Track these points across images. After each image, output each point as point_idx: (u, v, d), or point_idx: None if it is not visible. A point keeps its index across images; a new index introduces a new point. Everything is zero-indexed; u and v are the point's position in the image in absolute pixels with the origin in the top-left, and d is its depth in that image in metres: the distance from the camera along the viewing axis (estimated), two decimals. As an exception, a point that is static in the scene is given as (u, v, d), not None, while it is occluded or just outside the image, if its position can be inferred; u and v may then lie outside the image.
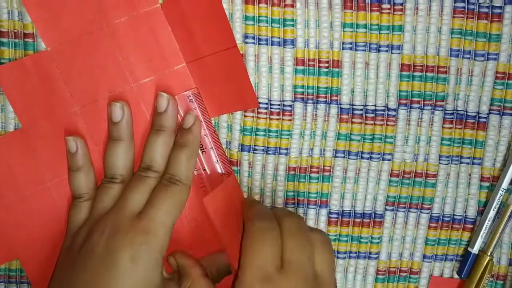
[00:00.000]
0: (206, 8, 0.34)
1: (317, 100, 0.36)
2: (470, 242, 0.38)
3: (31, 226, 0.35)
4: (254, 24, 0.35)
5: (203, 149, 0.36)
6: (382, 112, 0.37)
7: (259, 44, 0.35)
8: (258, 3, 0.35)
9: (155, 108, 0.35)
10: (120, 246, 0.31)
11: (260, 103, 0.36)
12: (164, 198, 0.32)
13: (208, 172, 0.36)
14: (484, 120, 0.37)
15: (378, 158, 0.37)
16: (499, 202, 0.37)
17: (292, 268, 0.29)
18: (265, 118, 0.36)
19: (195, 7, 0.34)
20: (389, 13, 0.36)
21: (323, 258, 0.31)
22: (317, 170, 0.37)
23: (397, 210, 0.38)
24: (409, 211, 0.38)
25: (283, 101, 0.36)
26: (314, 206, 0.37)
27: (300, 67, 0.36)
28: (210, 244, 0.36)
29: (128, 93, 0.35)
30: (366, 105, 0.36)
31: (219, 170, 0.36)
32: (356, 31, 0.36)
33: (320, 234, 0.32)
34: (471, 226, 0.38)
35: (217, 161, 0.36)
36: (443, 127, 0.37)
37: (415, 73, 0.36)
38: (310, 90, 0.36)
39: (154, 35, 0.35)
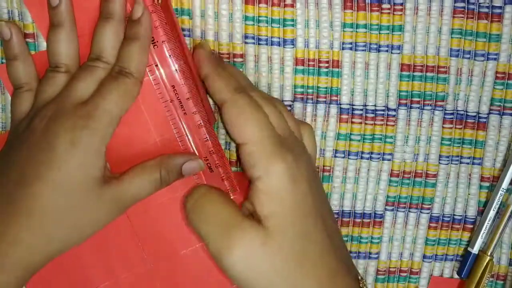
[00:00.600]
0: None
1: (317, 100, 0.36)
2: (470, 242, 0.38)
3: None
4: (254, 24, 0.35)
5: (155, 43, 0.33)
6: (382, 112, 0.37)
7: (259, 44, 0.35)
8: (258, 3, 0.35)
9: None
10: (60, 129, 0.30)
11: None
12: (112, 88, 0.31)
13: (161, 69, 0.33)
14: (484, 120, 0.37)
15: (378, 158, 0.37)
16: (499, 202, 0.37)
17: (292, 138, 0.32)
18: (265, 118, 0.36)
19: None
20: (389, 13, 0.36)
21: (310, 145, 0.34)
22: (317, 170, 0.37)
23: (397, 210, 0.38)
24: (409, 211, 0.38)
25: (283, 101, 0.36)
26: (314, 206, 0.37)
27: (300, 67, 0.36)
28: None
29: None
30: (366, 105, 0.36)
31: (173, 67, 0.33)
32: (356, 31, 0.36)
33: (308, 125, 0.34)
34: (471, 226, 0.38)
35: (170, 56, 0.33)
36: (443, 127, 0.37)
37: (415, 73, 0.36)
38: (310, 90, 0.36)
39: None
